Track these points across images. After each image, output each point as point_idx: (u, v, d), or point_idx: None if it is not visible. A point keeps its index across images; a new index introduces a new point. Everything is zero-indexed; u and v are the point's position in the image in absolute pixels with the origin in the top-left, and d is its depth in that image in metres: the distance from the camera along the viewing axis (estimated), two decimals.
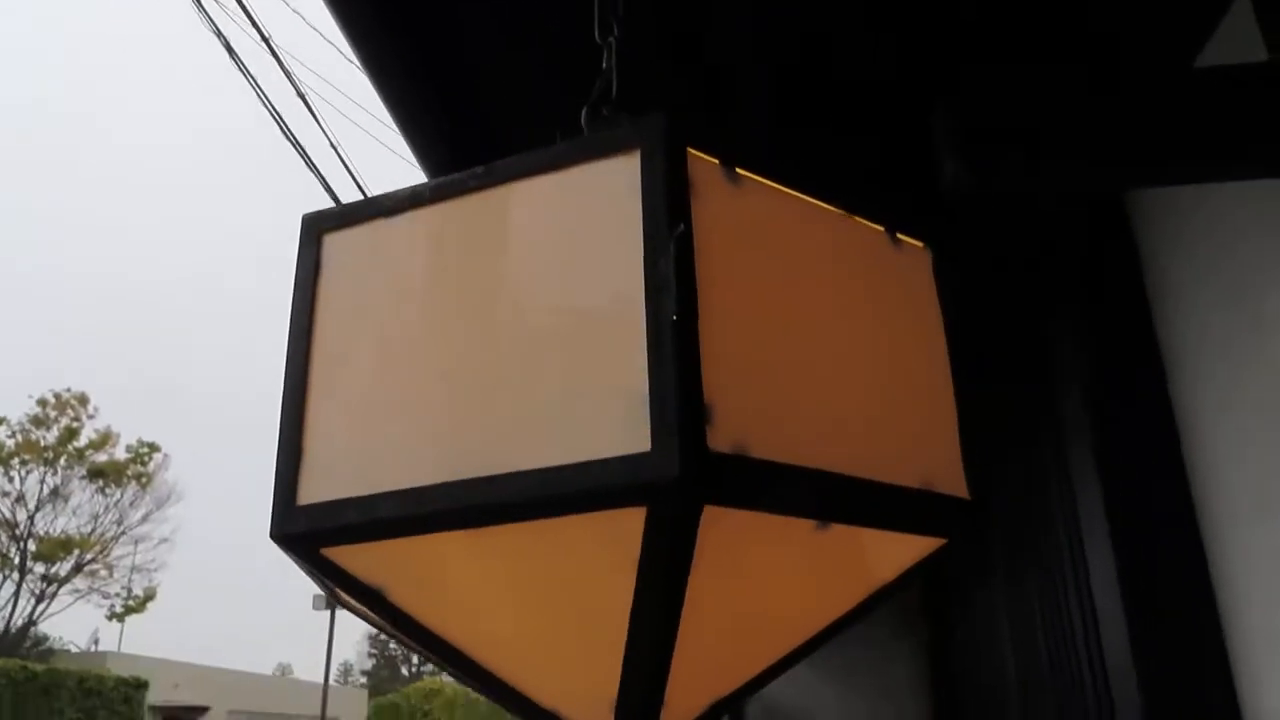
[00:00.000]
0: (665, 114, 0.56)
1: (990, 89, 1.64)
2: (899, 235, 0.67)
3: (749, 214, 0.58)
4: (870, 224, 0.65)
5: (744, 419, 0.51)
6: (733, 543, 0.53)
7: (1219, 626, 1.91)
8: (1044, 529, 2.28)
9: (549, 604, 0.60)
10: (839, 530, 0.57)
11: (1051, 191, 1.90)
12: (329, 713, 29.80)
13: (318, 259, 0.63)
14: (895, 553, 0.62)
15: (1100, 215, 2.22)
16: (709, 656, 0.59)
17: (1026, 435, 2.27)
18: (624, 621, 0.56)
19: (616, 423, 0.50)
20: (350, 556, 0.58)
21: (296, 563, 0.58)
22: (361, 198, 0.68)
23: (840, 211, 0.63)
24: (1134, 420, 2.06)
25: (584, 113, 0.84)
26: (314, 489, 0.57)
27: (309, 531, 0.56)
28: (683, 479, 0.48)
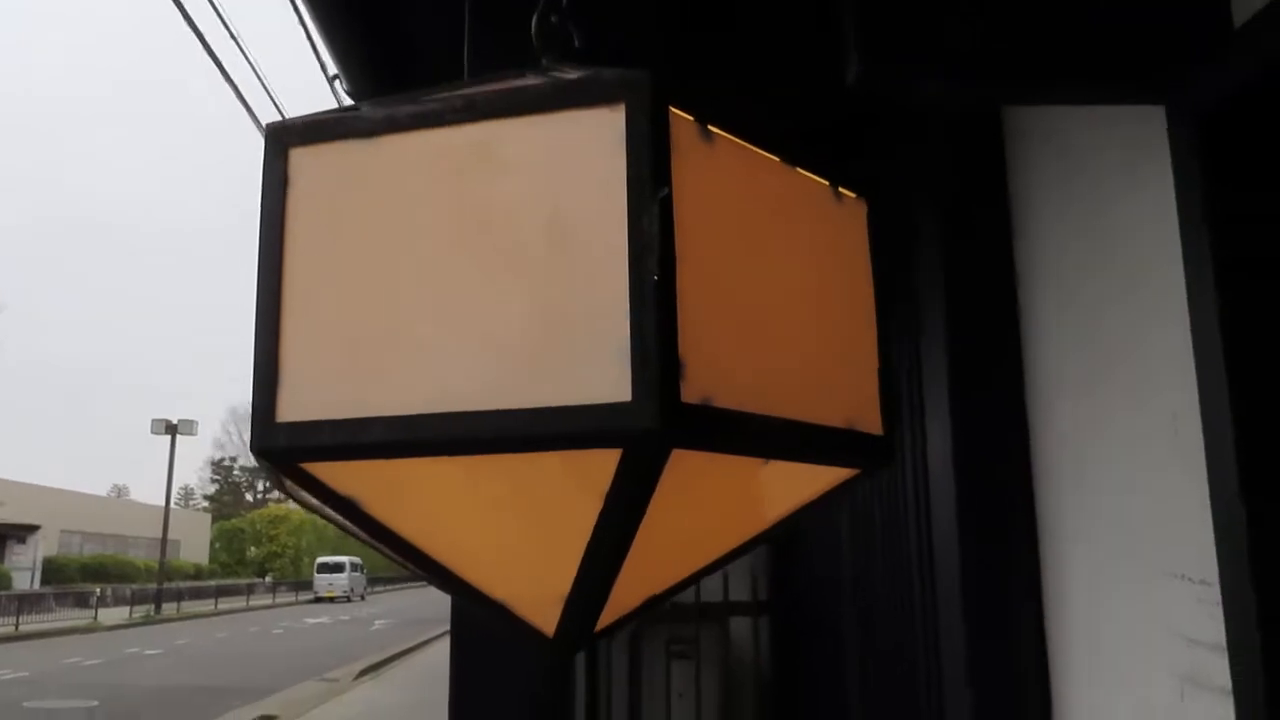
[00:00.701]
0: (649, 71, 0.58)
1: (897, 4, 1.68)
2: (840, 189, 0.72)
3: (719, 172, 0.61)
4: (817, 179, 0.70)
5: (710, 373, 0.57)
6: (686, 476, 0.59)
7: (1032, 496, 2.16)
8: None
9: (514, 519, 0.65)
10: (775, 463, 0.64)
11: (949, 98, 1.98)
12: (170, 536, 29.50)
13: (285, 173, 0.62)
14: (818, 479, 0.70)
15: (974, 131, 2.34)
16: (651, 563, 0.66)
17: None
18: (583, 538, 0.62)
19: (600, 373, 0.55)
20: (327, 470, 0.61)
21: (270, 471, 0.61)
22: (328, 111, 0.67)
23: (792, 168, 0.68)
24: (983, 330, 2.24)
25: (534, 22, 0.84)
26: (294, 407, 0.59)
27: (290, 447, 0.59)
28: (659, 429, 0.54)
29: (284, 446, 0.59)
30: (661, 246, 0.55)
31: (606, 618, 0.70)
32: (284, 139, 0.63)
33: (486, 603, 0.69)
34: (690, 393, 0.55)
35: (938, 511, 2.37)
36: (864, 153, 2.52)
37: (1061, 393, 2.11)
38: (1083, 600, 2.06)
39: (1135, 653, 1.84)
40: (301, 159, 0.63)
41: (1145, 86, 1.77)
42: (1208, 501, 1.59)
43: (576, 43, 0.84)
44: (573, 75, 0.62)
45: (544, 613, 0.69)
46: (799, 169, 0.69)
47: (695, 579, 0.74)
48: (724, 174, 0.62)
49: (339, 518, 0.74)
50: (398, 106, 0.62)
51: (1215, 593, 1.59)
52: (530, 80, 0.71)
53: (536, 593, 0.68)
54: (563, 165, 0.58)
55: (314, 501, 0.73)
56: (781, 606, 4.01)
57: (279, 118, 0.89)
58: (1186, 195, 1.65)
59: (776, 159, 0.66)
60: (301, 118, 0.64)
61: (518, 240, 0.58)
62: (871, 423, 0.69)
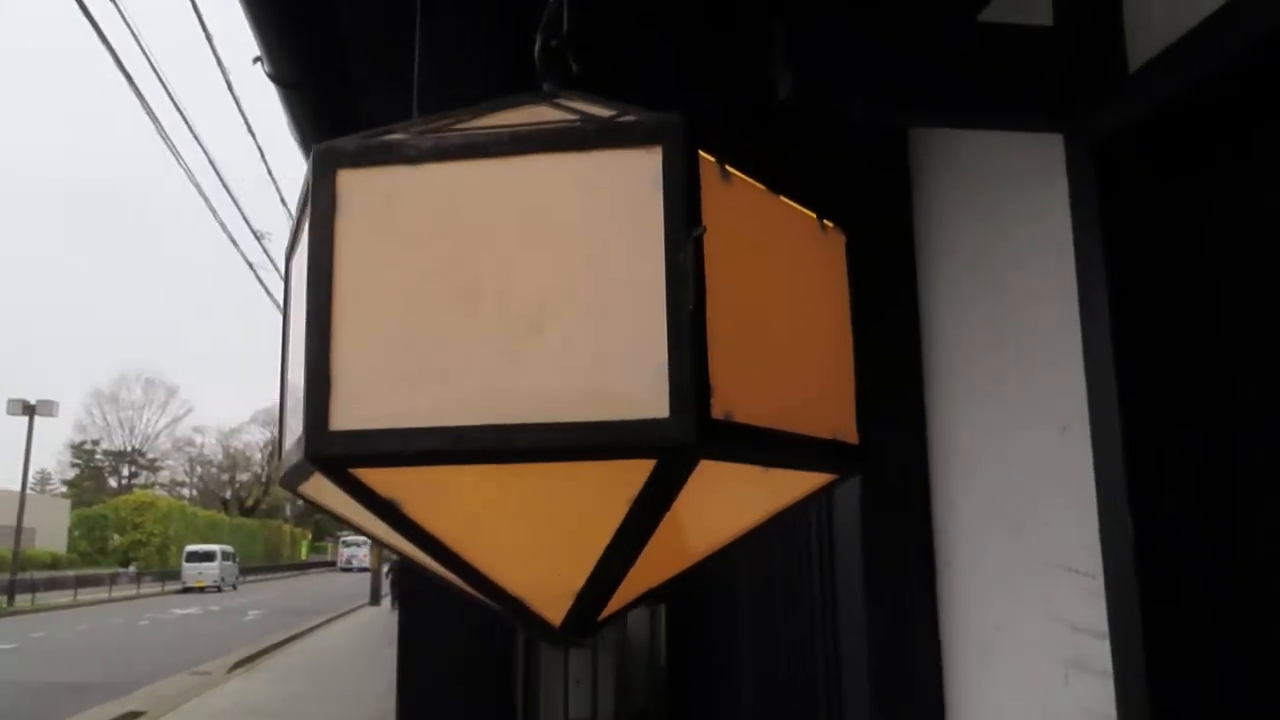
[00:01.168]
0: (680, 115, 0.65)
1: (825, 20, 1.79)
2: (825, 222, 0.80)
3: (734, 209, 0.68)
4: (806, 211, 0.78)
5: (731, 392, 0.64)
6: (700, 482, 0.66)
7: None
8: None
9: (543, 520, 0.71)
10: (770, 470, 0.72)
11: (869, 118, 2.10)
12: (25, 524, 27.83)
13: (334, 194, 0.66)
14: (802, 483, 0.78)
15: (881, 155, 2.49)
16: (656, 558, 0.73)
17: None
18: (605, 538, 0.69)
19: (639, 391, 0.61)
20: (373, 475, 0.65)
21: (323, 474, 0.65)
22: (373, 136, 0.71)
23: (790, 203, 0.75)
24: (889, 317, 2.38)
25: (536, 47, 0.89)
26: (347, 416, 0.63)
27: (346, 454, 0.63)
28: (694, 443, 0.61)
29: (339, 453, 0.63)
30: (695, 278, 0.62)
31: (609, 609, 0.77)
32: (332, 160, 0.67)
33: (503, 596, 0.74)
34: (717, 409, 0.62)
35: (839, 505, 2.51)
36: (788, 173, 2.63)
37: (960, 403, 2.27)
38: (976, 591, 2.22)
39: (1025, 640, 2.00)
40: (350, 181, 0.67)
41: (1045, 117, 1.93)
42: (1094, 502, 1.75)
43: (574, 68, 0.89)
44: (607, 115, 0.68)
45: (556, 605, 0.75)
46: (792, 202, 0.76)
47: (690, 573, 0.81)
48: (738, 210, 0.69)
49: (354, 518, 0.78)
50: (442, 136, 0.67)
51: (1099, 584, 1.76)
52: (550, 111, 0.77)
53: (552, 587, 0.74)
54: (603, 200, 0.64)
55: (325, 504, 0.77)
56: (679, 595, 4.12)
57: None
58: (1082, 220, 1.81)
59: (780, 197, 0.74)
60: (348, 141, 0.68)
61: (561, 267, 0.64)
62: (850, 433, 0.78)
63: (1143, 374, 1.62)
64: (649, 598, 0.80)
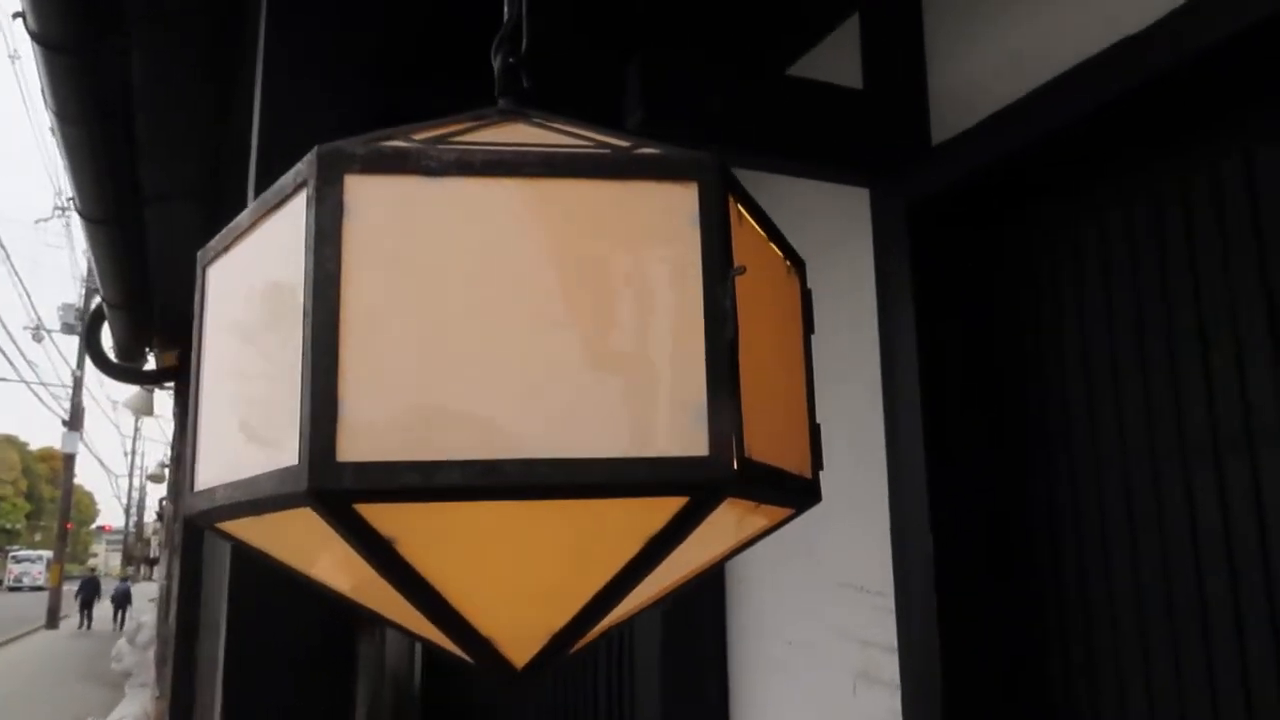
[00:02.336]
0: (714, 155, 0.65)
1: (672, 67, 1.86)
2: (788, 262, 0.83)
3: (745, 249, 0.69)
4: (776, 249, 0.80)
5: (754, 430, 0.65)
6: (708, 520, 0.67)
7: None
8: None
9: (541, 557, 0.67)
10: (758, 506, 0.73)
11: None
12: None
13: (341, 200, 0.60)
14: (761, 519, 0.80)
15: None
16: (633, 596, 0.72)
17: None
18: (604, 577, 0.67)
19: (677, 428, 0.60)
20: (376, 511, 0.60)
21: (320, 508, 0.58)
22: (380, 136, 0.65)
23: (772, 245, 0.78)
24: None
25: (495, 64, 0.86)
26: (357, 447, 0.57)
27: (356, 489, 0.57)
28: (729, 481, 0.61)
29: (346, 487, 0.57)
30: (732, 318, 0.62)
31: (569, 650, 0.74)
32: (339, 164, 0.60)
33: (470, 636, 0.70)
34: (749, 448, 0.63)
35: None
36: None
37: None
38: (770, 608, 2.34)
39: (816, 654, 2.15)
40: (359, 187, 0.61)
41: (852, 172, 2.10)
42: (887, 526, 1.91)
43: (526, 84, 0.87)
44: (625, 144, 0.67)
45: (525, 646, 0.72)
46: (773, 244, 0.79)
47: (655, 606, 0.80)
48: (746, 251, 0.70)
49: (285, 555, 0.71)
50: (466, 150, 0.63)
51: (890, 602, 1.92)
52: (535, 130, 0.74)
53: (528, 627, 0.71)
54: (638, 232, 0.63)
55: (252, 541, 0.70)
56: None
57: None
58: (885, 262, 1.98)
59: (763, 234, 0.76)
60: (356, 143, 0.62)
61: (593, 297, 0.62)
62: (806, 468, 0.81)
63: (941, 397, 1.80)
64: (598, 637, 0.79)
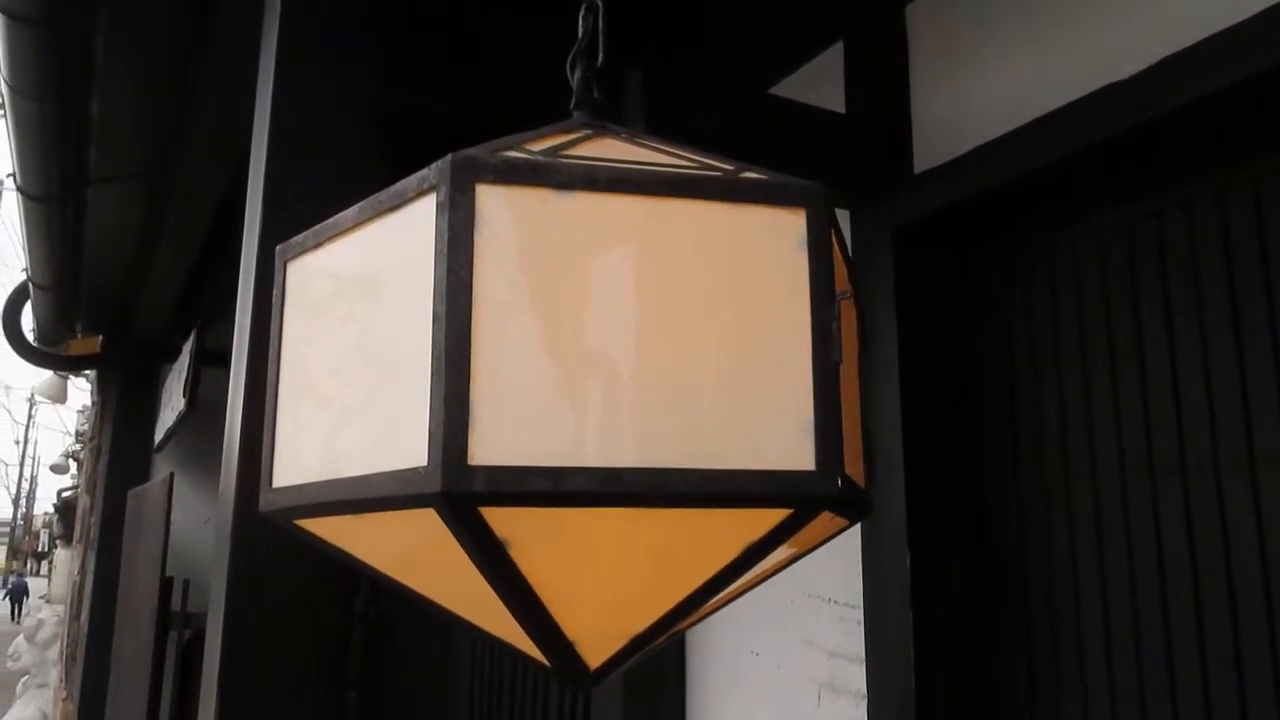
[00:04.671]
0: (821, 184, 0.68)
1: (675, 80, 1.90)
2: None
3: (836, 270, 0.72)
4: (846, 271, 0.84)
5: (847, 446, 0.68)
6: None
7: None
8: None
9: (638, 564, 0.69)
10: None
11: None
12: None
13: (473, 209, 0.61)
14: (831, 529, 0.83)
15: None
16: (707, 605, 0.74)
17: None
18: (693, 584, 0.69)
19: (786, 443, 0.63)
20: (497, 514, 0.61)
21: (446, 511, 0.59)
22: (510, 144, 0.66)
23: (844, 265, 0.81)
24: None
25: (573, 77, 0.88)
26: (487, 451, 0.59)
27: (488, 491, 0.58)
28: (835, 495, 0.64)
29: (478, 490, 0.58)
30: (837, 340, 0.65)
31: (638, 655, 0.76)
32: (472, 172, 0.62)
33: (554, 639, 0.71)
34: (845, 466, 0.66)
35: None
36: None
37: None
38: (734, 617, 2.38)
39: (780, 663, 2.19)
40: (490, 197, 0.62)
41: (836, 194, 2.15)
42: (858, 540, 1.97)
43: (597, 95, 0.89)
44: (752, 174, 0.69)
45: (602, 650, 0.73)
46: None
47: (702, 617, 0.82)
48: (837, 272, 0.73)
49: (359, 551, 0.72)
50: (592, 165, 0.64)
51: (859, 614, 1.97)
52: (633, 148, 0.76)
53: (609, 632, 0.72)
54: (749, 254, 0.66)
55: (331, 539, 0.71)
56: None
57: None
58: (866, 289, 2.04)
59: (841, 256, 0.79)
60: (484, 154, 0.63)
61: (707, 315, 0.64)
62: (863, 481, 0.84)
63: (922, 417, 1.86)
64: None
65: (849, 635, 2.00)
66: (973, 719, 1.77)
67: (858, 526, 1.95)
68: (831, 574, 2.07)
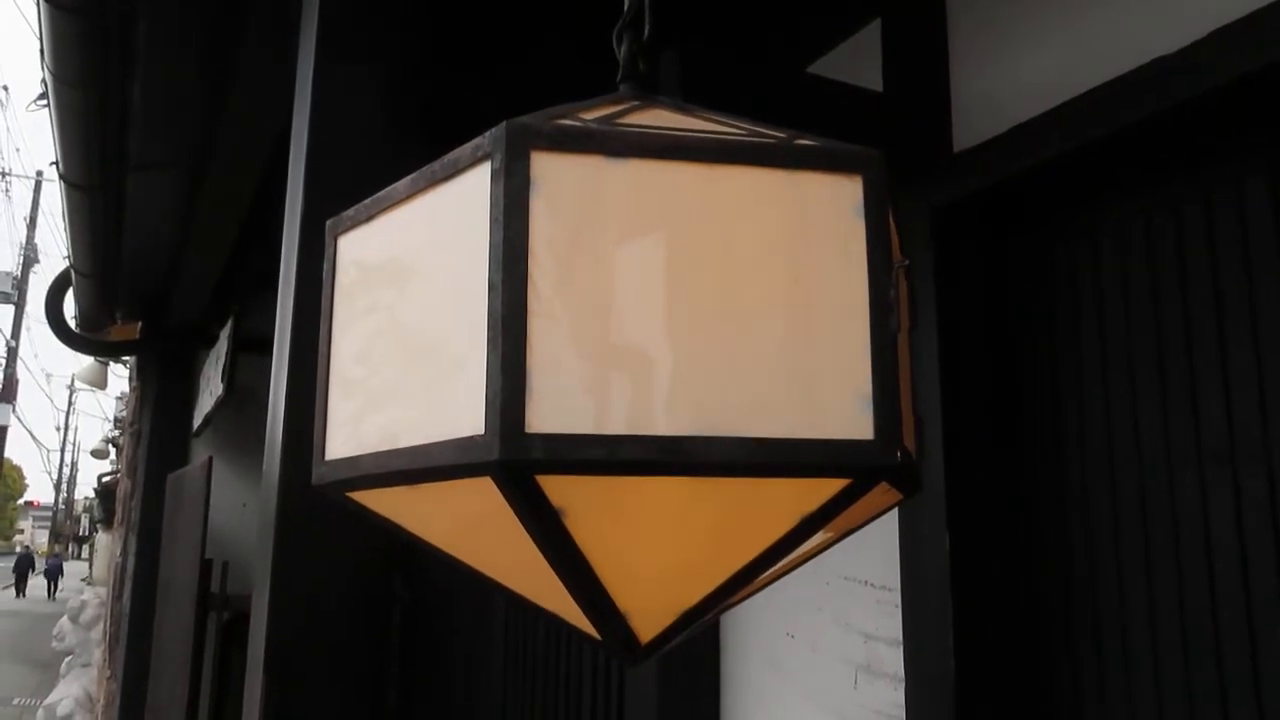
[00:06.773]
0: (877, 151, 0.67)
1: (711, 61, 1.89)
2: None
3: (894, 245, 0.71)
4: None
5: (903, 418, 0.67)
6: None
7: None
8: None
9: (692, 534, 0.69)
10: None
11: None
12: None
13: (528, 175, 0.61)
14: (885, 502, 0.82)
15: None
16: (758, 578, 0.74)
17: None
18: (748, 556, 0.69)
19: (845, 413, 0.62)
20: (554, 482, 0.61)
21: (503, 479, 0.59)
22: (564, 112, 0.65)
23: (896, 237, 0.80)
24: None
25: (620, 53, 0.87)
26: (544, 419, 0.58)
27: (546, 459, 0.58)
28: (892, 465, 0.63)
29: (535, 458, 0.58)
30: (895, 309, 0.65)
31: (688, 629, 0.76)
32: (526, 139, 0.61)
33: (608, 612, 0.71)
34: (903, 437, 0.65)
35: None
36: None
37: None
38: (769, 599, 2.37)
39: (816, 646, 2.18)
40: (546, 164, 0.61)
41: None
42: (895, 523, 1.95)
43: (642, 67, 0.88)
44: (806, 141, 0.68)
45: (654, 624, 0.73)
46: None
47: (752, 592, 0.82)
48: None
49: (410, 522, 0.72)
50: (645, 133, 0.64)
51: (896, 597, 1.96)
52: (682, 117, 0.76)
53: (662, 604, 0.72)
54: (807, 221, 0.65)
55: (382, 511, 0.71)
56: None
57: None
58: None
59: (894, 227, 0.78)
60: (538, 121, 0.63)
61: (765, 281, 0.64)
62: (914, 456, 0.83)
63: (961, 398, 1.84)
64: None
65: (886, 618, 1.99)
66: (1012, 705, 1.76)
67: (895, 510, 1.94)
68: (869, 557, 2.06)
